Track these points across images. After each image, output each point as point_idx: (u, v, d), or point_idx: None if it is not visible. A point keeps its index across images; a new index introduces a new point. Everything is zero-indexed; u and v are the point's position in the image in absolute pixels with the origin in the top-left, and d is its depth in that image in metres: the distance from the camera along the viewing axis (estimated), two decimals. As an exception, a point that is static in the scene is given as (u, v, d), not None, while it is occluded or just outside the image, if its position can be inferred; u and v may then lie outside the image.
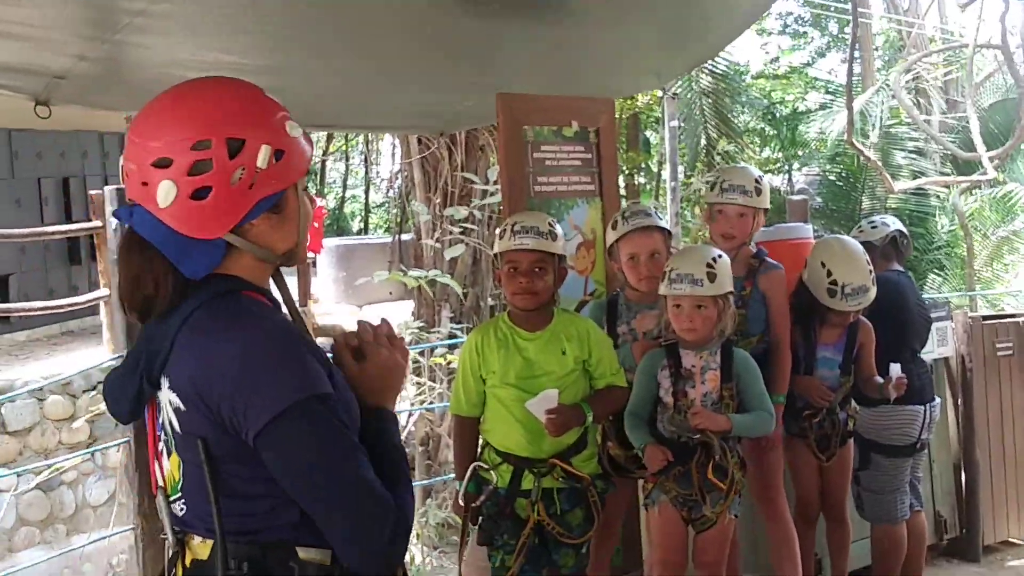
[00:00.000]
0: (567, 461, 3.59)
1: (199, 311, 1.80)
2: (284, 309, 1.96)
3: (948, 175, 15.25)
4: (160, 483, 1.89)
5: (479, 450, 3.73)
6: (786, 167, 21.69)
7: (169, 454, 1.85)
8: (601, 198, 4.90)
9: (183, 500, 1.84)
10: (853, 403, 4.52)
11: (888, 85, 15.25)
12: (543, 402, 3.43)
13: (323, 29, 3.85)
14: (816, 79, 24.79)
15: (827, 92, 22.70)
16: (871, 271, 4.35)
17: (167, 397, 1.80)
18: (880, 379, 4.42)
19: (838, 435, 4.43)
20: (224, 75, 1.91)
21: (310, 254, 14.70)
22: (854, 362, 4.45)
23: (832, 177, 16.97)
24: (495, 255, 3.76)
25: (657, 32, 4.69)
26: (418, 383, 8.50)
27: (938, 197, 15.34)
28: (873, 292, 4.34)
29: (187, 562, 1.85)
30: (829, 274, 4.30)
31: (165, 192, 1.75)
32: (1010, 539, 6.80)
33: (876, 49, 19.83)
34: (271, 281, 1.97)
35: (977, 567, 6.31)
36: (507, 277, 3.62)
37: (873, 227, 5.18)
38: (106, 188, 5.18)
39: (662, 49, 5.11)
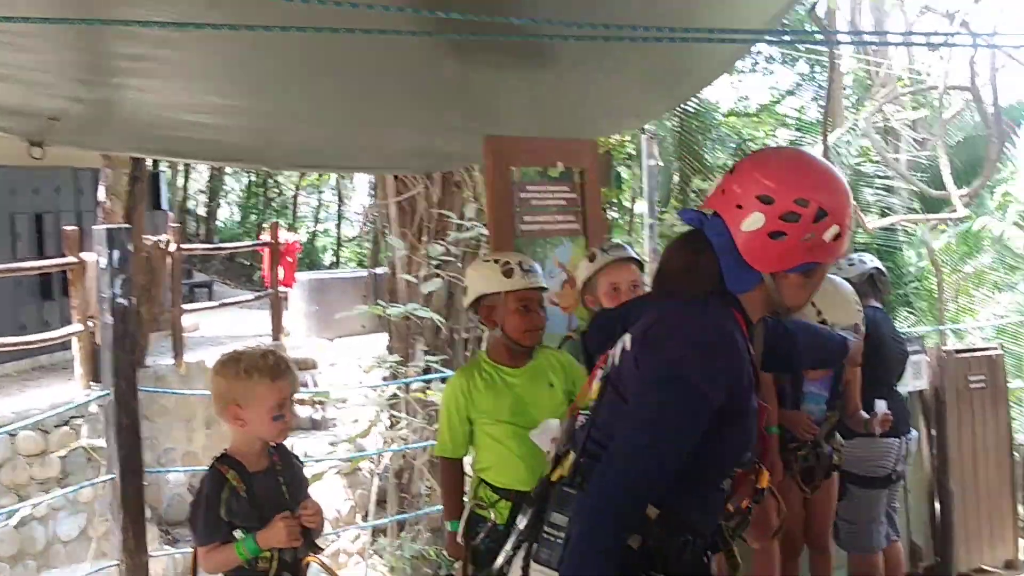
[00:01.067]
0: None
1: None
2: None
3: (915, 211, 15.42)
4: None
5: (471, 489, 3.74)
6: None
7: (600, 379, 2.29)
8: (586, 236, 4.97)
9: (585, 416, 2.29)
10: (838, 436, 4.59)
11: (856, 126, 15.42)
12: (547, 432, 3.43)
13: (314, 74, 3.89)
14: (786, 116, 25.01)
15: (796, 129, 22.91)
16: (860, 310, 4.42)
17: (626, 338, 2.26)
18: (866, 415, 4.50)
19: (823, 468, 4.48)
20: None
21: (283, 288, 14.66)
22: (840, 397, 4.52)
23: (802, 213, 17.04)
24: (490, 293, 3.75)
25: (639, 76, 4.74)
26: (394, 416, 8.50)
27: (906, 232, 15.52)
28: (862, 332, 4.40)
29: (554, 478, 2.29)
30: (819, 313, 4.35)
31: (754, 221, 2.12)
32: (983, 567, 6.87)
33: (845, 88, 20.07)
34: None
35: (951, 595, 6.39)
36: (519, 315, 3.63)
37: (851, 264, 5.28)
38: (95, 228, 5.22)
39: (644, 92, 5.17)
